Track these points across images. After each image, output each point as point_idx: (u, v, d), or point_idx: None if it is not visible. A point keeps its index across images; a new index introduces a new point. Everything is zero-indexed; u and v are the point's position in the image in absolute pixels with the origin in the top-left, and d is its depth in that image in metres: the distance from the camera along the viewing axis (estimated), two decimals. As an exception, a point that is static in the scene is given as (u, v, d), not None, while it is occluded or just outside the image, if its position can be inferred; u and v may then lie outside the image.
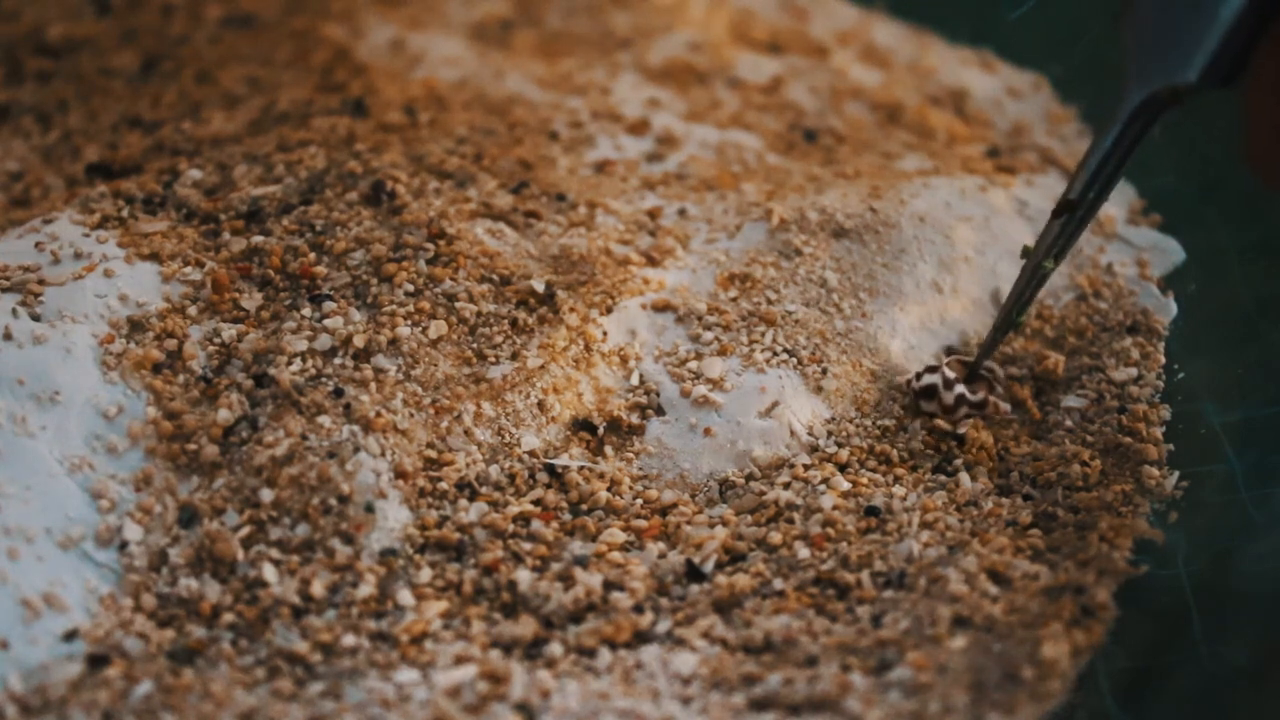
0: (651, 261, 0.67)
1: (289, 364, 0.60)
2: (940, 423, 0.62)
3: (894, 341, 0.65)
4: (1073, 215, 0.61)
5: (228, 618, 0.55)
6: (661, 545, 0.58)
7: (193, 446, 0.59)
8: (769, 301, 0.65)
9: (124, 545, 0.56)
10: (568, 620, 0.55)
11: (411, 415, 0.60)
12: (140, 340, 0.61)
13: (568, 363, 0.62)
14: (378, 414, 0.59)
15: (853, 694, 0.52)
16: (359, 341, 0.61)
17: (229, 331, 0.61)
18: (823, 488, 0.60)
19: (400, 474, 0.58)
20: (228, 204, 0.66)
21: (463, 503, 0.59)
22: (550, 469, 0.60)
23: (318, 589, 0.55)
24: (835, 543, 0.58)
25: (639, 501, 0.60)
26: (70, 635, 0.54)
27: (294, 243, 0.64)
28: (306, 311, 0.62)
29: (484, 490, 0.59)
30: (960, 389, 0.62)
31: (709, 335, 0.64)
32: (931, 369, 0.63)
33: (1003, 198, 0.71)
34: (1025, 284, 0.62)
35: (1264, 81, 0.52)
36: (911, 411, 0.63)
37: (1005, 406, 0.63)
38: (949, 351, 0.66)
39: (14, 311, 0.60)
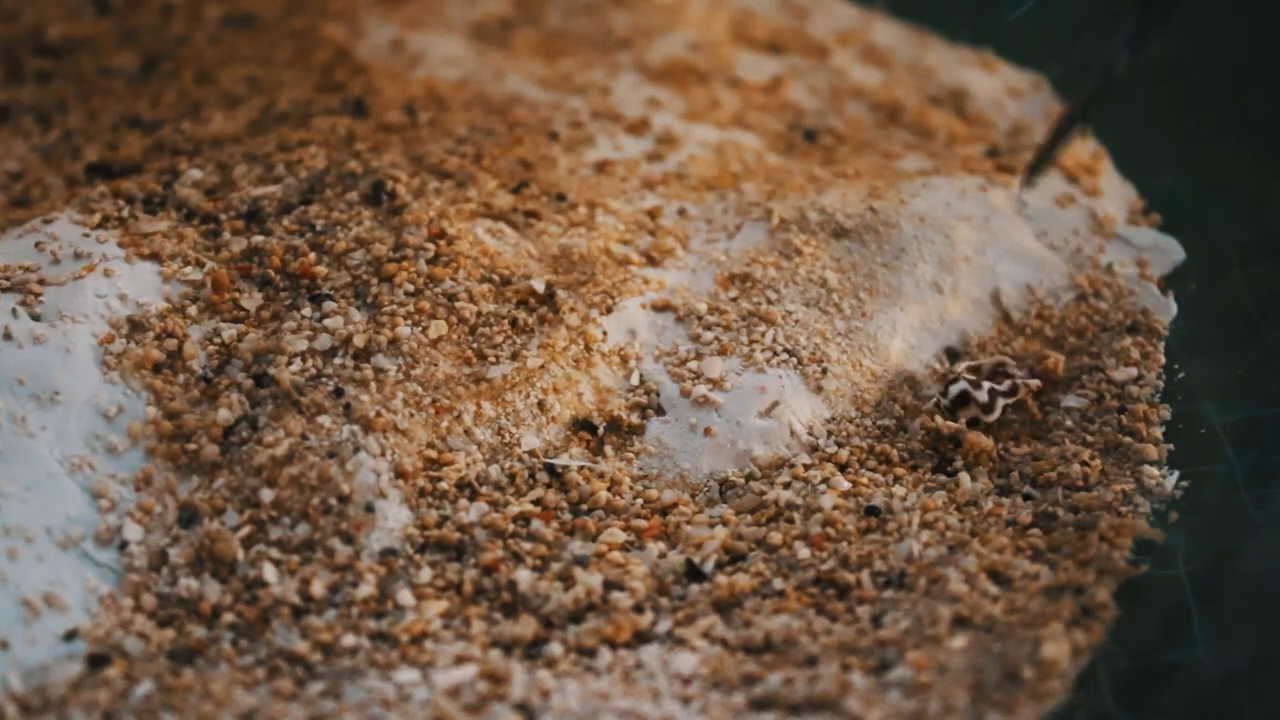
0: (651, 261, 0.67)
1: (289, 364, 0.60)
2: (940, 424, 0.62)
3: (894, 341, 0.65)
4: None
5: (228, 618, 0.55)
6: (661, 545, 0.58)
7: (193, 446, 0.59)
8: (769, 301, 0.65)
9: (124, 545, 0.56)
10: (568, 620, 0.55)
11: (411, 415, 0.60)
12: (140, 340, 0.61)
13: (568, 363, 0.62)
14: (378, 414, 0.59)
15: (853, 694, 0.52)
16: (359, 341, 0.61)
17: (229, 331, 0.62)
18: (823, 487, 0.60)
19: (400, 474, 0.58)
20: (228, 204, 0.66)
21: (463, 503, 0.59)
22: (550, 469, 0.60)
23: (318, 589, 0.55)
24: (835, 542, 0.58)
25: (639, 501, 0.60)
26: (70, 635, 0.54)
27: (294, 242, 0.64)
28: (306, 311, 0.62)
29: (484, 490, 0.59)
30: (988, 384, 0.63)
31: (709, 335, 0.64)
32: (952, 380, 0.63)
33: (1003, 198, 0.71)
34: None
35: None
36: (912, 412, 0.64)
37: (1034, 382, 0.63)
38: (949, 352, 0.66)
39: (14, 311, 0.60)
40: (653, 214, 0.69)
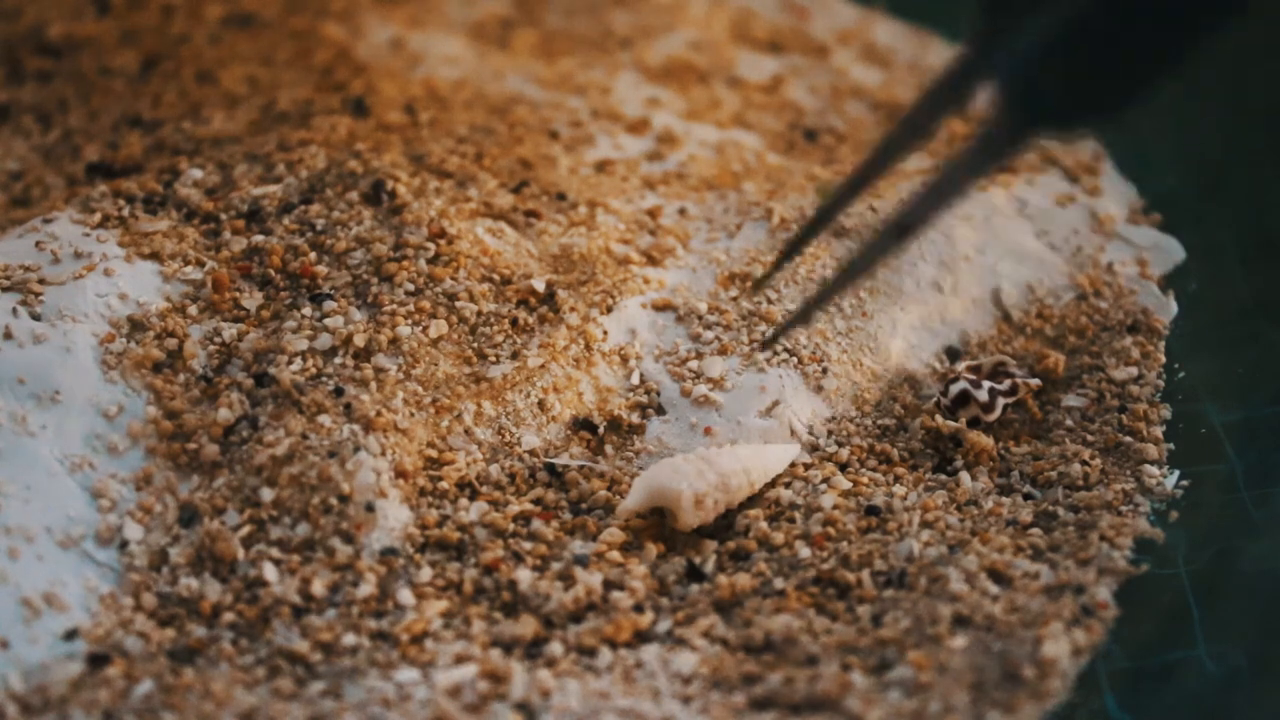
0: (652, 261, 0.67)
1: (289, 363, 0.60)
2: (940, 424, 0.62)
3: (894, 341, 0.65)
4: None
5: (228, 617, 0.55)
6: (661, 544, 0.58)
7: (193, 446, 0.59)
8: (769, 301, 0.65)
9: (124, 544, 0.56)
10: (568, 620, 0.55)
11: (412, 414, 0.60)
12: (140, 339, 0.61)
13: (568, 362, 0.62)
14: (378, 413, 0.59)
15: (853, 693, 0.52)
16: (359, 341, 0.61)
17: (229, 331, 0.62)
18: (823, 487, 0.60)
19: (401, 473, 0.58)
20: (228, 203, 0.66)
21: (463, 502, 0.59)
22: (550, 468, 0.60)
23: (318, 588, 0.55)
24: (836, 542, 0.58)
25: (639, 501, 0.60)
26: (70, 634, 0.54)
27: (294, 242, 0.64)
28: (307, 311, 0.62)
29: (484, 489, 0.59)
30: (988, 384, 0.63)
31: (709, 334, 0.64)
32: (952, 379, 0.63)
33: (1003, 197, 0.71)
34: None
35: None
36: (913, 411, 0.64)
37: (1035, 382, 0.64)
38: (949, 351, 0.66)
39: (14, 311, 0.60)
40: (653, 213, 0.69)
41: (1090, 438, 0.63)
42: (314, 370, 0.60)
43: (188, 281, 0.63)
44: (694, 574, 0.57)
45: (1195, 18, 0.40)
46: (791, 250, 0.51)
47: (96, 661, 0.53)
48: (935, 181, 0.45)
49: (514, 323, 0.63)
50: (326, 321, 0.61)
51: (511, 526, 0.58)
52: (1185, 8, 0.40)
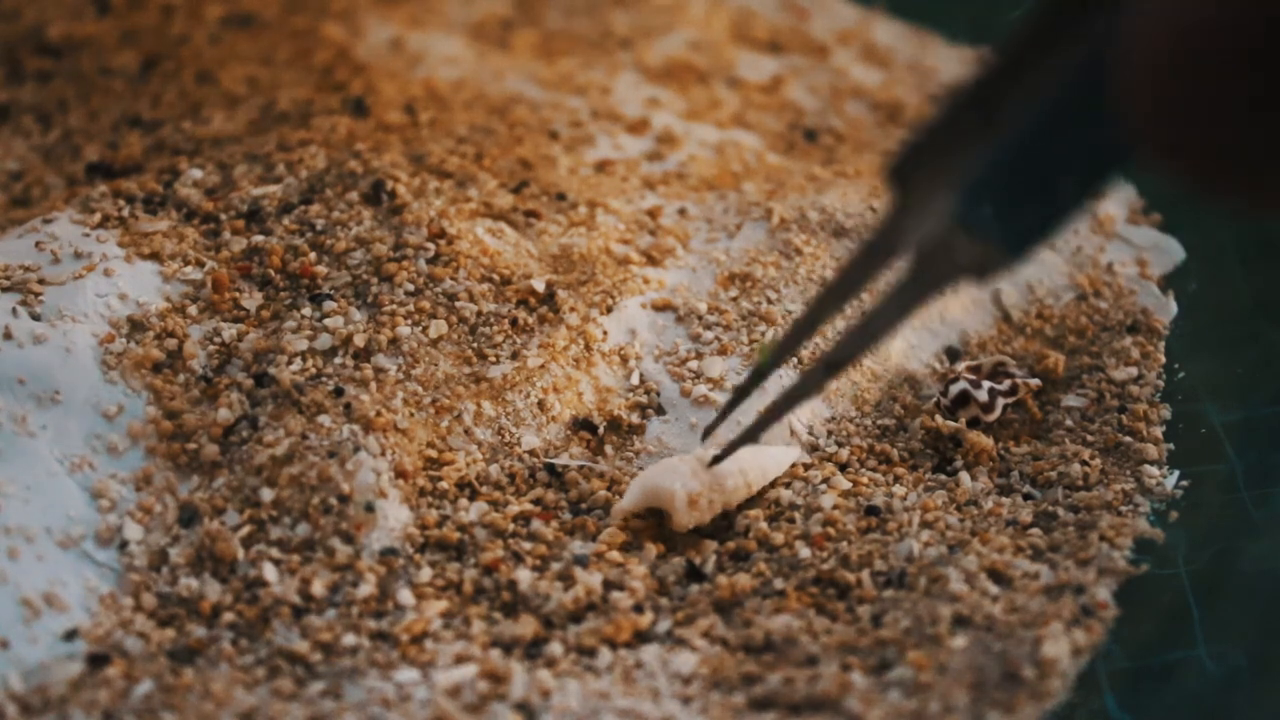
0: (652, 261, 0.67)
1: (289, 363, 0.60)
2: (940, 424, 0.62)
3: (894, 341, 0.65)
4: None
5: (228, 617, 0.55)
6: (661, 544, 0.58)
7: (193, 446, 0.59)
8: (769, 301, 0.65)
9: (124, 545, 0.56)
10: (568, 620, 0.55)
11: (412, 415, 0.60)
12: (140, 340, 0.61)
13: (568, 362, 0.62)
14: (378, 413, 0.59)
15: (853, 693, 0.52)
16: (359, 341, 0.61)
17: (229, 331, 0.62)
18: (823, 487, 0.60)
19: (400, 473, 0.58)
20: (228, 203, 0.66)
21: (463, 502, 0.59)
22: (550, 468, 0.60)
23: (318, 588, 0.55)
24: (836, 542, 0.58)
25: (639, 501, 0.60)
26: (70, 635, 0.54)
27: (294, 242, 0.64)
28: (307, 311, 0.62)
29: (484, 490, 0.59)
30: (988, 384, 0.63)
31: (709, 335, 0.64)
32: (952, 380, 0.63)
33: (1003, 197, 0.71)
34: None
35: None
36: (913, 412, 0.64)
37: (1035, 382, 0.64)
38: (949, 351, 0.66)
39: (14, 311, 0.60)
40: (653, 213, 0.69)
41: (1090, 438, 0.63)
42: (314, 370, 0.60)
43: (188, 281, 0.63)
44: (694, 574, 0.57)
45: (1107, 156, 0.42)
46: (736, 401, 0.55)
47: (96, 661, 0.53)
48: (862, 324, 0.48)
49: (514, 323, 0.63)
50: (326, 321, 0.62)
51: (511, 526, 0.58)
52: (1097, 149, 0.41)
